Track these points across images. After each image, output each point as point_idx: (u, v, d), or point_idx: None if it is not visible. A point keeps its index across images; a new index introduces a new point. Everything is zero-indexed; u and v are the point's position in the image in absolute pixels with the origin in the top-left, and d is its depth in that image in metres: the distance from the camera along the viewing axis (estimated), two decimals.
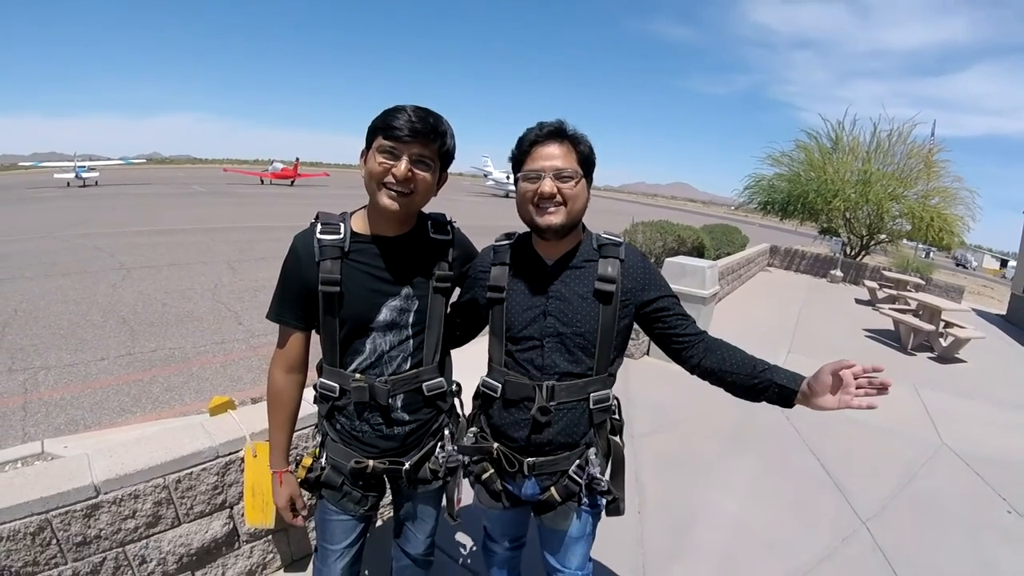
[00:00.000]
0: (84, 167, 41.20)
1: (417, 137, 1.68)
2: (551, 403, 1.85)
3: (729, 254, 14.49)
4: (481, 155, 79.12)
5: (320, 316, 1.85)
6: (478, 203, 43.87)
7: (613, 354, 1.91)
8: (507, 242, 1.99)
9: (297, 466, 2.02)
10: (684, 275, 7.13)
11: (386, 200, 1.73)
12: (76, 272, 11.70)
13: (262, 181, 52.52)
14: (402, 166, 1.68)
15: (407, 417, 1.96)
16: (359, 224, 1.87)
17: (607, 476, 1.99)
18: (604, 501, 1.98)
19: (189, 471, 2.49)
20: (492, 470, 2.01)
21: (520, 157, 1.80)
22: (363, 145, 1.77)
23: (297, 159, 54.88)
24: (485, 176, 73.54)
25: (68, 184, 39.70)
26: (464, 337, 2.18)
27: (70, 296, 9.85)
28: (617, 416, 2.06)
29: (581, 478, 1.92)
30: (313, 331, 1.94)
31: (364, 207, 1.90)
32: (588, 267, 1.85)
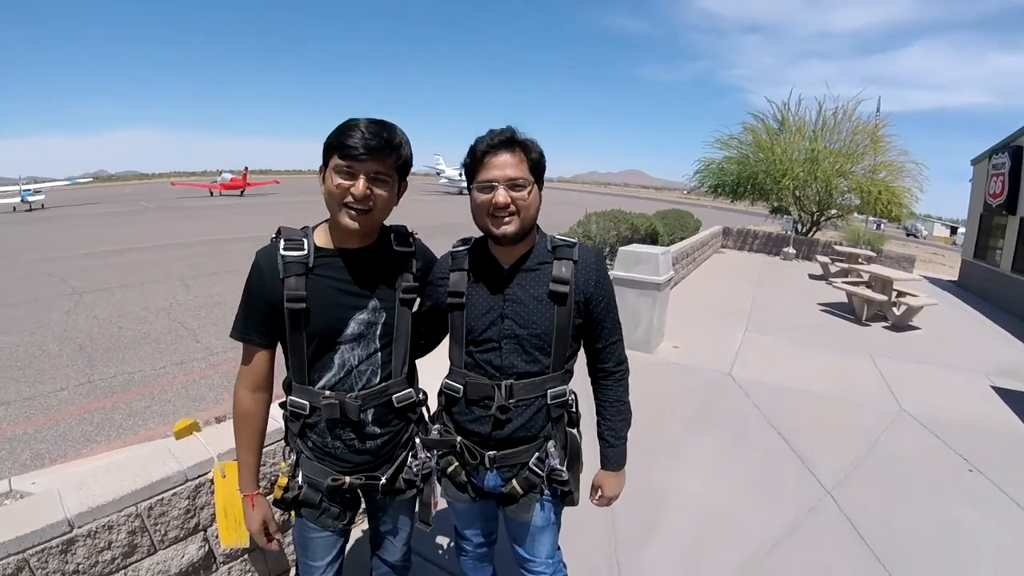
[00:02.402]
0: (29, 191, 40.25)
1: (372, 154, 1.67)
2: (510, 401, 1.90)
3: (683, 238, 14.73)
4: (433, 154, 79.35)
5: (287, 333, 1.82)
6: (434, 202, 43.73)
7: (569, 351, 1.97)
8: (464, 248, 2.00)
9: (273, 486, 1.98)
10: (638, 263, 7.23)
11: (347, 220, 1.72)
12: (28, 301, 11.47)
13: (211, 193, 51.60)
14: (360, 185, 1.67)
15: (378, 431, 1.95)
16: (322, 238, 1.85)
17: (565, 467, 2.04)
18: (560, 492, 2.04)
19: (160, 497, 2.48)
20: (457, 463, 2.06)
21: (473, 166, 1.82)
22: (318, 160, 1.74)
23: (246, 168, 54.19)
24: (438, 174, 73.89)
25: (14, 209, 38.70)
26: (428, 345, 2.21)
27: (24, 326, 9.66)
28: (574, 409, 2.11)
29: (542, 470, 1.98)
30: (279, 347, 1.91)
31: (325, 221, 1.87)
32: (543, 269, 1.89)
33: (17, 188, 41.01)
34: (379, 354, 1.91)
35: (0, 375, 7.50)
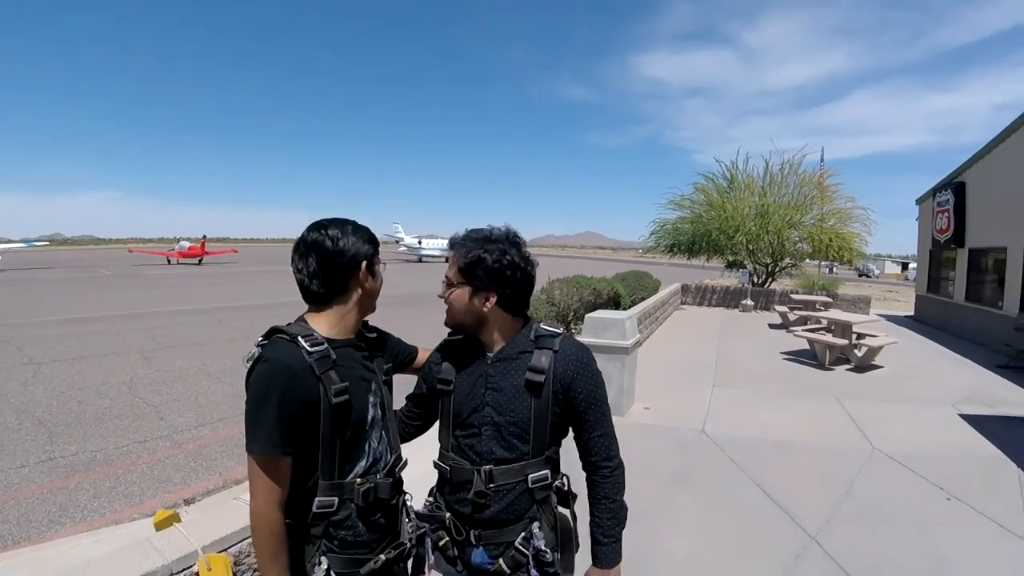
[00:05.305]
0: None
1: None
2: (489, 486, 1.95)
3: (644, 298, 15.02)
4: (392, 222, 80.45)
5: (321, 432, 1.73)
6: (397, 271, 43.98)
7: (549, 439, 2.02)
8: (458, 337, 2.12)
9: None
10: (605, 328, 7.41)
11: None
12: None
13: (169, 261, 51.58)
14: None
15: (393, 503, 1.97)
16: (326, 332, 1.85)
17: (556, 547, 2.04)
18: (547, 573, 2.01)
19: None
20: (447, 538, 2.07)
21: None
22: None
23: (204, 237, 54.08)
24: (397, 243, 74.77)
25: None
26: (422, 427, 2.31)
27: None
28: (567, 488, 2.13)
29: (527, 549, 1.98)
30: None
31: (302, 319, 1.89)
32: (522, 358, 1.98)
33: None
34: (386, 432, 1.97)
35: None
